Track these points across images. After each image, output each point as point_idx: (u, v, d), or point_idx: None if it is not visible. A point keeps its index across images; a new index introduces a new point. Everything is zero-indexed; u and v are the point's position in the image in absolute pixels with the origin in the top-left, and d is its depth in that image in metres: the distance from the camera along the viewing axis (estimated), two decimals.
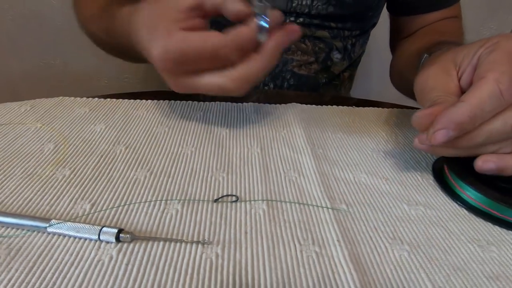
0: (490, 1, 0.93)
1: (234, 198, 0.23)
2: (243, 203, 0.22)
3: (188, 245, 0.19)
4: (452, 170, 0.25)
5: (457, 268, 0.19)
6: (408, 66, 0.39)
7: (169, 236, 0.19)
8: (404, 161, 0.29)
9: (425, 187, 0.26)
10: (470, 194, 0.24)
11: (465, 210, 0.23)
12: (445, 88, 0.24)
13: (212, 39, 0.24)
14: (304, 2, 0.42)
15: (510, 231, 0.22)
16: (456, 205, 0.24)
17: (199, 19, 0.26)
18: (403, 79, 0.43)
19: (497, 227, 0.22)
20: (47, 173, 0.24)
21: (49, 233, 0.19)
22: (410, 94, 0.29)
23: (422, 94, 0.25)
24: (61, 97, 0.34)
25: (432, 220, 0.22)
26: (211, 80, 0.25)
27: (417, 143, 0.24)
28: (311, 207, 0.22)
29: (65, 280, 0.16)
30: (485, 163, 0.23)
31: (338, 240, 0.20)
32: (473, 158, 0.25)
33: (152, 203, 0.22)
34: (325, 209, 0.22)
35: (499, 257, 0.20)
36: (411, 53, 0.41)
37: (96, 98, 0.35)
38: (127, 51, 0.32)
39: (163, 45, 0.24)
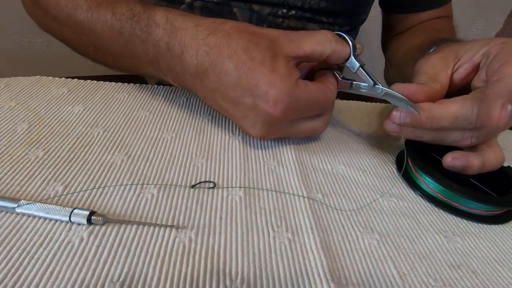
0: (478, 3, 0.94)
1: (211, 185, 0.23)
2: (220, 190, 0.22)
3: (162, 229, 0.19)
4: (414, 161, 0.26)
5: (422, 256, 0.20)
6: (407, 61, 0.40)
7: (143, 220, 0.19)
8: (382, 155, 0.29)
9: (399, 180, 0.26)
10: (428, 183, 0.25)
11: (433, 203, 0.24)
12: (435, 75, 0.25)
13: (328, 92, 0.25)
14: None
15: (475, 224, 0.23)
16: (426, 198, 0.25)
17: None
18: (400, 73, 0.43)
19: (464, 219, 0.23)
20: (19, 153, 0.23)
21: (17, 214, 0.18)
22: None
23: (414, 75, 0.26)
24: (38, 76, 0.33)
25: (403, 211, 0.23)
26: (309, 125, 0.26)
27: (387, 122, 0.26)
28: (287, 195, 0.23)
29: (33, 261, 0.16)
30: (454, 160, 0.24)
31: (311, 228, 0.20)
32: (433, 150, 0.26)
33: (128, 186, 0.22)
34: (301, 197, 0.23)
35: (462, 247, 0.21)
36: (410, 48, 0.41)
37: (76, 79, 0.34)
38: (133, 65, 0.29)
39: (292, 93, 0.23)
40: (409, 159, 0.27)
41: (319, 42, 0.24)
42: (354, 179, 0.26)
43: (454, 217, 0.23)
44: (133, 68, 0.30)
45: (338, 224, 0.21)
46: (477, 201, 0.23)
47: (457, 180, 0.24)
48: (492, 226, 0.23)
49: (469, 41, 0.26)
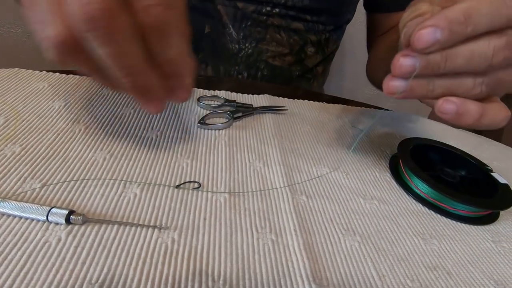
0: None
1: (196, 185, 0.23)
2: (204, 190, 0.22)
3: (144, 229, 0.19)
4: (406, 165, 0.27)
5: (401, 258, 0.20)
6: (388, 54, 0.39)
7: (124, 220, 0.19)
8: (365, 158, 0.30)
9: (381, 183, 0.27)
10: (419, 186, 0.26)
11: (414, 206, 0.25)
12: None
13: None
14: None
15: (451, 227, 0.24)
16: (407, 201, 0.26)
17: None
18: (381, 69, 0.42)
19: (441, 223, 0.24)
20: None
21: None
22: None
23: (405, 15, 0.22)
24: (16, 69, 0.31)
25: (384, 214, 0.24)
26: None
27: (388, 82, 0.21)
28: (272, 197, 0.23)
29: (6, 261, 0.16)
30: (446, 103, 0.20)
31: (294, 230, 0.21)
32: (425, 156, 0.27)
33: (110, 185, 0.21)
34: (285, 199, 0.23)
35: (438, 250, 0.22)
36: (392, 41, 0.41)
37: (57, 73, 0.33)
38: None
39: None
40: (401, 163, 0.28)
41: None
42: (337, 182, 0.26)
43: (431, 220, 0.24)
44: None
45: (321, 226, 0.21)
46: (465, 203, 0.24)
47: (444, 182, 0.25)
48: (467, 230, 0.24)
49: None
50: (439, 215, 0.25)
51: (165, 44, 0.17)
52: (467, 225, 0.24)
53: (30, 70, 0.32)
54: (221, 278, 0.17)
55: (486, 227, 0.25)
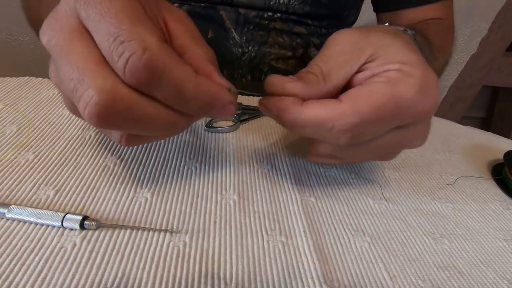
0: (464, 9, 0.97)
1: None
2: (214, 193, 0.23)
3: (156, 233, 0.19)
4: None
5: (411, 258, 0.20)
6: None
7: (136, 224, 0.19)
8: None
9: (389, 183, 0.27)
10: None
11: (424, 205, 0.25)
12: (330, 71, 0.20)
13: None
14: (281, 1, 0.42)
15: (461, 226, 0.24)
16: (416, 201, 0.25)
17: None
18: None
19: (451, 222, 0.24)
20: (8, 156, 0.22)
21: (8, 219, 0.18)
22: None
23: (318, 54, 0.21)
24: (27, 77, 0.32)
25: (393, 214, 0.24)
26: None
27: None
28: (281, 199, 0.23)
29: (24, 267, 0.16)
30: None
31: (304, 231, 0.21)
32: None
33: (122, 190, 0.21)
34: (294, 201, 0.23)
35: (449, 249, 0.21)
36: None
37: None
38: None
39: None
40: (508, 170, 0.28)
41: None
42: (346, 183, 0.26)
43: (441, 219, 0.24)
44: None
45: (330, 227, 0.21)
46: None
47: None
48: (478, 228, 0.24)
49: (390, 39, 0.20)
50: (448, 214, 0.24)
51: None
52: (478, 224, 0.24)
53: (40, 78, 0.32)
54: (233, 281, 0.17)
55: (497, 225, 0.24)
